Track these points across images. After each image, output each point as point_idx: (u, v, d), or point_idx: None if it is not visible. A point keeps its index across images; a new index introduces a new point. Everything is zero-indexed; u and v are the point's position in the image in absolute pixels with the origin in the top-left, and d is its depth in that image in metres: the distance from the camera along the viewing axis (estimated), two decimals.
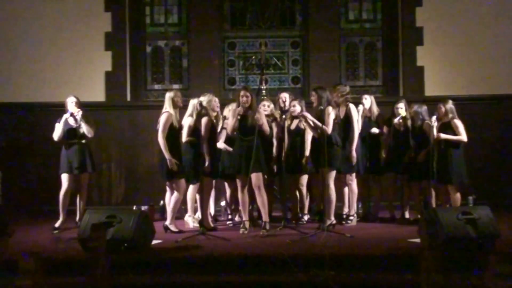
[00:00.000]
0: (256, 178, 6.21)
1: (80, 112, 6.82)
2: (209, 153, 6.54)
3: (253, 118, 6.26)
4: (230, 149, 6.81)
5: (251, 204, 6.77)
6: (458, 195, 6.60)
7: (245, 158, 6.22)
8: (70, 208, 7.03)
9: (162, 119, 6.39)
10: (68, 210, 7.00)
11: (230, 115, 6.55)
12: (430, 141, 6.63)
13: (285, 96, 7.02)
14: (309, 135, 6.82)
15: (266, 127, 6.38)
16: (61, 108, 6.95)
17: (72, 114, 6.79)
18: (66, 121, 6.80)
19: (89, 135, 6.90)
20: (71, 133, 6.81)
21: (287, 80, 9.61)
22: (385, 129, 7.24)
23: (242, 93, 6.34)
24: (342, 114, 6.75)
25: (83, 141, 6.89)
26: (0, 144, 8.67)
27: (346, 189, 6.94)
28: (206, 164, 6.49)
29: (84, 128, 6.82)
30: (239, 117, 6.26)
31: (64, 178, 6.79)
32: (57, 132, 6.81)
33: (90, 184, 8.59)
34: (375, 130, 7.13)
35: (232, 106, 7.03)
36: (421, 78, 9.02)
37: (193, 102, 6.68)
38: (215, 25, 9.31)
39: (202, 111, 6.40)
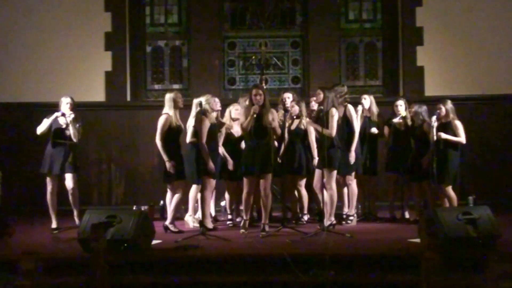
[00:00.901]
0: (266, 179, 6.19)
1: (72, 115, 6.71)
2: (211, 154, 6.54)
3: (267, 117, 6.21)
4: (229, 158, 6.81)
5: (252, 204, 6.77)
6: (454, 195, 6.59)
7: (258, 159, 6.15)
8: (67, 208, 7.01)
9: (160, 121, 6.39)
10: (65, 210, 6.99)
11: (241, 114, 6.48)
12: (431, 142, 6.62)
13: (288, 96, 7.00)
14: (312, 135, 6.81)
15: (278, 128, 6.35)
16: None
17: (63, 114, 6.71)
18: (56, 120, 6.70)
19: (75, 139, 6.74)
20: (58, 132, 6.72)
21: (287, 80, 9.61)
22: (385, 129, 7.23)
23: (254, 91, 6.24)
24: (340, 115, 6.74)
25: (69, 143, 6.73)
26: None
27: (345, 190, 6.94)
28: (211, 164, 6.47)
29: (71, 131, 6.70)
30: (255, 115, 6.17)
31: (48, 179, 6.75)
32: (42, 126, 6.70)
33: (89, 184, 8.68)
34: (374, 130, 7.12)
35: (234, 106, 7.03)
36: (421, 78, 9.02)
37: (196, 102, 6.68)
38: (215, 25, 9.31)
39: (201, 112, 6.39)
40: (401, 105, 7.08)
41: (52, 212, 6.75)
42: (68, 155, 6.74)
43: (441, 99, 6.87)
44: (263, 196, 6.22)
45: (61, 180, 6.86)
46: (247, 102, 6.40)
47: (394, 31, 9.35)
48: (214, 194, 7.30)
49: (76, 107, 6.86)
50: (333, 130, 6.30)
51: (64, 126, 6.71)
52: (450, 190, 6.58)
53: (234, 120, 6.99)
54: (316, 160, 6.70)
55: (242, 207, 6.56)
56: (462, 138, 6.59)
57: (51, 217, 6.76)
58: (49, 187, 6.75)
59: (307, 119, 6.86)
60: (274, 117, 6.33)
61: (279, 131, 6.37)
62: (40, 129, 6.75)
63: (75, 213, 6.82)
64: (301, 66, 9.58)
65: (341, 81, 9.18)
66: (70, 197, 6.84)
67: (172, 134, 6.40)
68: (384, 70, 9.52)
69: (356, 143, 6.72)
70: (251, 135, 6.24)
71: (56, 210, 6.77)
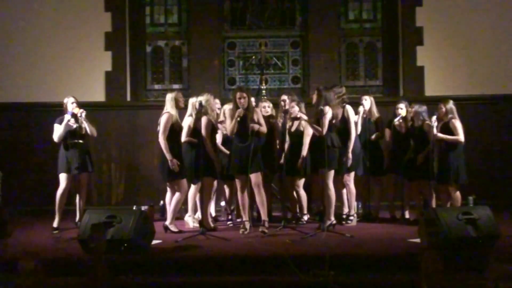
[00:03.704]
0: (256, 177, 6.21)
1: (84, 113, 6.77)
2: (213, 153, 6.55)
3: (251, 119, 6.25)
4: (227, 151, 6.83)
5: (251, 204, 6.76)
6: (458, 194, 6.60)
7: (244, 159, 6.20)
8: (70, 208, 7.03)
9: (163, 120, 6.39)
10: (67, 210, 7.00)
11: (227, 117, 6.53)
12: (430, 141, 6.62)
13: (284, 98, 7.06)
14: (307, 138, 6.82)
15: (263, 129, 6.36)
16: (61, 108, 6.93)
17: (73, 115, 6.73)
18: (67, 123, 6.70)
19: (93, 135, 6.88)
20: (72, 133, 6.75)
21: (287, 80, 9.61)
22: (387, 132, 7.24)
23: (238, 94, 6.30)
24: (339, 115, 6.75)
25: (82, 141, 6.79)
26: None
27: (344, 190, 6.94)
28: (215, 164, 6.52)
29: (88, 129, 6.77)
30: (239, 119, 6.22)
31: (63, 177, 6.73)
32: (58, 133, 6.72)
33: (89, 184, 8.68)
34: (373, 137, 7.14)
35: (229, 106, 7.05)
36: (421, 78, 9.02)
37: (192, 101, 6.69)
38: (215, 25, 9.31)
39: (201, 111, 6.39)
40: (401, 108, 7.09)
41: (57, 211, 6.73)
42: (84, 153, 6.79)
43: (443, 99, 6.87)
44: (256, 194, 6.23)
45: (77, 179, 6.87)
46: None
47: (394, 31, 9.35)
48: (215, 194, 7.31)
49: (80, 105, 6.88)
50: (324, 128, 6.29)
51: (75, 126, 6.73)
52: (454, 189, 6.58)
53: None
54: (300, 161, 6.72)
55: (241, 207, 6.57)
56: (460, 136, 6.58)
57: (55, 216, 6.73)
58: (62, 185, 6.73)
59: (304, 116, 6.87)
60: (259, 117, 6.37)
61: (264, 130, 6.38)
62: (57, 136, 6.74)
63: (80, 213, 6.81)
64: (301, 66, 9.58)
65: (341, 81, 9.21)
66: (81, 196, 6.86)
67: (174, 133, 6.41)
68: (384, 70, 9.52)
69: (352, 143, 6.72)
70: (237, 137, 6.30)
71: (62, 210, 6.77)
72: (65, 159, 6.74)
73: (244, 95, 6.29)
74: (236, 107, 6.30)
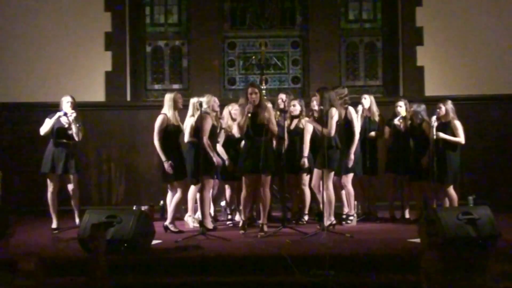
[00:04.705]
0: (264, 178, 6.16)
1: (74, 114, 6.68)
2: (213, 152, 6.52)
3: (263, 116, 6.16)
4: (225, 156, 6.81)
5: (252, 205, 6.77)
6: (455, 194, 6.60)
7: (255, 157, 6.07)
8: (69, 208, 7.01)
9: (157, 121, 6.39)
10: (66, 210, 6.99)
11: (237, 114, 6.48)
12: (430, 141, 6.62)
13: (281, 97, 7.03)
14: (307, 135, 6.81)
15: (274, 127, 6.25)
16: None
17: (65, 114, 6.68)
18: (58, 120, 6.66)
19: (76, 138, 6.72)
20: (61, 132, 6.69)
21: (287, 80, 9.61)
22: (386, 129, 7.24)
23: (250, 90, 6.20)
24: (342, 116, 6.74)
25: (71, 142, 6.73)
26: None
27: (343, 191, 6.93)
28: (217, 159, 6.48)
29: (74, 130, 6.67)
30: (249, 115, 6.13)
31: (49, 179, 6.73)
32: (46, 127, 6.67)
33: (89, 184, 8.69)
34: (372, 134, 7.14)
35: (233, 106, 7.03)
36: (421, 78, 9.02)
37: (193, 101, 6.69)
38: (215, 25, 9.31)
39: (202, 112, 6.38)
40: (401, 106, 7.09)
41: (52, 212, 6.74)
42: (71, 155, 6.72)
43: (441, 99, 6.88)
44: (262, 196, 6.20)
45: (62, 180, 6.85)
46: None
47: (394, 31, 9.35)
48: (216, 194, 7.31)
49: (76, 106, 6.84)
50: (332, 130, 6.28)
51: (66, 125, 6.70)
52: (451, 189, 6.59)
53: (234, 120, 6.98)
54: (304, 159, 6.71)
55: (241, 207, 6.56)
56: (461, 138, 6.60)
57: (51, 217, 6.76)
58: (50, 187, 6.74)
59: (306, 118, 6.86)
60: (271, 115, 6.27)
61: (275, 129, 6.29)
62: (43, 129, 6.73)
63: (76, 213, 6.83)
64: (301, 66, 9.58)
65: (341, 81, 9.22)
66: (72, 198, 6.84)
67: (171, 134, 6.40)
68: (384, 70, 9.53)
69: (355, 145, 6.73)
70: (248, 134, 6.22)
71: (57, 210, 6.77)
72: (51, 157, 6.66)
73: (256, 90, 6.19)
74: (247, 102, 6.18)
